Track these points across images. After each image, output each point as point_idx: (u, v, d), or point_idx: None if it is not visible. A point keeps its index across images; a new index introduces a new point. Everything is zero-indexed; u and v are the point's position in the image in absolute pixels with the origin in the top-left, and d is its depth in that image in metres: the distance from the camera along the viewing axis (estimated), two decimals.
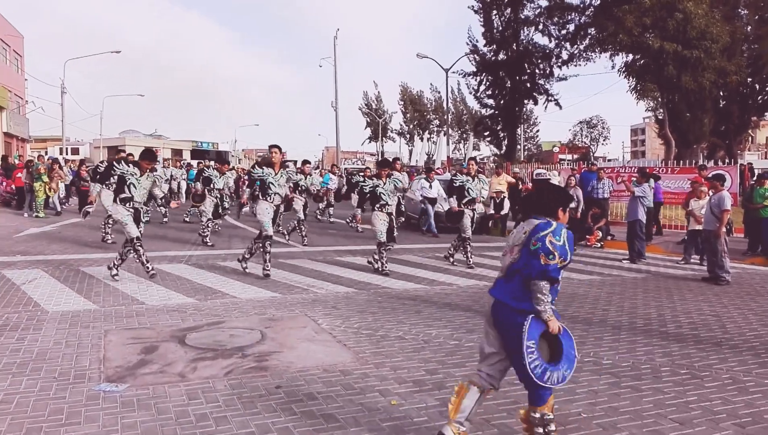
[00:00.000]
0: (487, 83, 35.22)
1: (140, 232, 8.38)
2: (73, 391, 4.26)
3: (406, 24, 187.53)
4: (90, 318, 6.31)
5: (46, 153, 42.66)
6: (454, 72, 35.27)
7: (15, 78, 38.87)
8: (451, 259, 10.43)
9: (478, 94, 36.03)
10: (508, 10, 33.25)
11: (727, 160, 21.34)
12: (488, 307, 3.48)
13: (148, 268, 8.27)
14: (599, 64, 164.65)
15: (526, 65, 33.74)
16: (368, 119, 68.19)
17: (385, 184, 9.54)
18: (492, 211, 15.70)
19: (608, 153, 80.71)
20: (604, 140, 74.51)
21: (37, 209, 17.19)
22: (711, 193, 9.93)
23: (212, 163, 19.68)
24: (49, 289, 7.66)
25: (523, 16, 32.93)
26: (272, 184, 8.81)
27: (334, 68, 38.37)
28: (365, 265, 9.84)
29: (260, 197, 8.85)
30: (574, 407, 4.13)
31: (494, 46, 33.98)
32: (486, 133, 39.79)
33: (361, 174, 14.86)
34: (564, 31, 31.99)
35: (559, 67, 33.21)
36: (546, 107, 40.54)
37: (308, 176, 14.12)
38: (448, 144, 40.26)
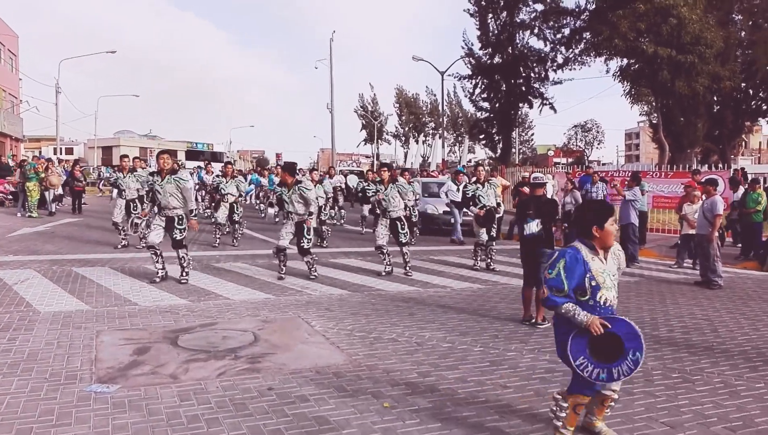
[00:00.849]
0: (483, 86, 35.40)
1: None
2: (64, 392, 4.24)
3: (406, 24, 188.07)
4: (82, 319, 6.29)
5: (40, 153, 42.51)
6: (449, 75, 35.41)
7: (9, 77, 38.80)
8: (492, 265, 10.19)
9: (474, 97, 36.27)
10: (504, 14, 33.43)
11: (720, 165, 21.42)
12: None
13: (157, 274, 8.41)
14: (594, 68, 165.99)
15: (521, 69, 33.90)
16: (364, 121, 68.21)
17: (387, 189, 9.58)
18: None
19: (603, 157, 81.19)
20: (598, 144, 74.75)
21: (30, 209, 17.11)
22: (704, 198, 9.98)
23: (218, 165, 19.47)
24: (41, 290, 7.62)
25: (518, 20, 33.11)
26: (286, 201, 8.87)
27: (330, 70, 38.36)
28: (359, 267, 9.85)
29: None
30: None
31: (490, 50, 34.16)
32: (481, 136, 40.01)
33: (363, 181, 14.44)
34: (559, 35, 32.24)
35: (554, 70, 33.49)
36: (541, 111, 41.01)
37: (318, 184, 13.32)
38: (443, 147, 40.36)
